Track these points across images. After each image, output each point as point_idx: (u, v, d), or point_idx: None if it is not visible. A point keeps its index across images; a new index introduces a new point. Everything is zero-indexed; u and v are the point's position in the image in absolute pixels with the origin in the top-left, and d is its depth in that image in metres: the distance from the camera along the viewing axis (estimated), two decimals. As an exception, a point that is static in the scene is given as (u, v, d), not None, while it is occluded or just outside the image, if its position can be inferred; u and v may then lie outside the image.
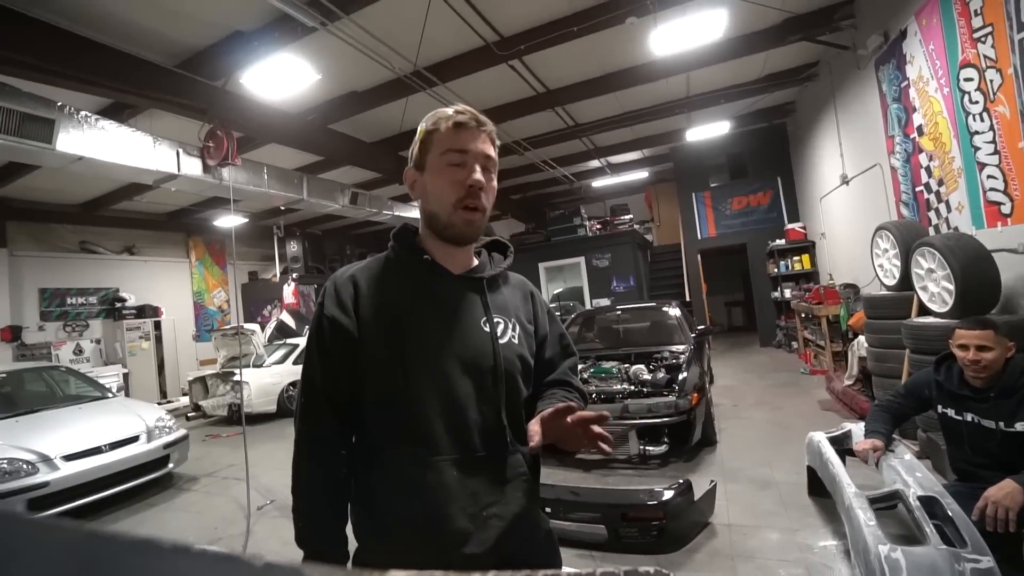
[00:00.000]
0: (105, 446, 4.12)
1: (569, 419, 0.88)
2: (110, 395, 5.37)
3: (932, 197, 4.32)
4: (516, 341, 1.04)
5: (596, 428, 0.88)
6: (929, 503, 1.92)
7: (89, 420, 4.44)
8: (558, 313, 9.83)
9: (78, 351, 8.82)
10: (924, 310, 3.65)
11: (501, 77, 5.92)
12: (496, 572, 0.23)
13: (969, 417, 2.06)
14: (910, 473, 2.14)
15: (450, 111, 0.99)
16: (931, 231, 4.22)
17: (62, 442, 3.96)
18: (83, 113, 4.68)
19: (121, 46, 4.39)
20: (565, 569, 0.27)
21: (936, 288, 3.43)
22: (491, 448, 0.97)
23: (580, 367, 4.60)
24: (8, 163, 6.68)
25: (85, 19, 4.08)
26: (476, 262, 1.08)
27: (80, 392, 5.28)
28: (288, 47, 4.57)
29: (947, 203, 4.08)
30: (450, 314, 0.99)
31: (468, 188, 0.96)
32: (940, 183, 4.16)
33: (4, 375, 5.18)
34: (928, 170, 4.33)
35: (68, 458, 3.87)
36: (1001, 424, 1.96)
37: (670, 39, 5.00)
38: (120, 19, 4.18)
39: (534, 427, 0.90)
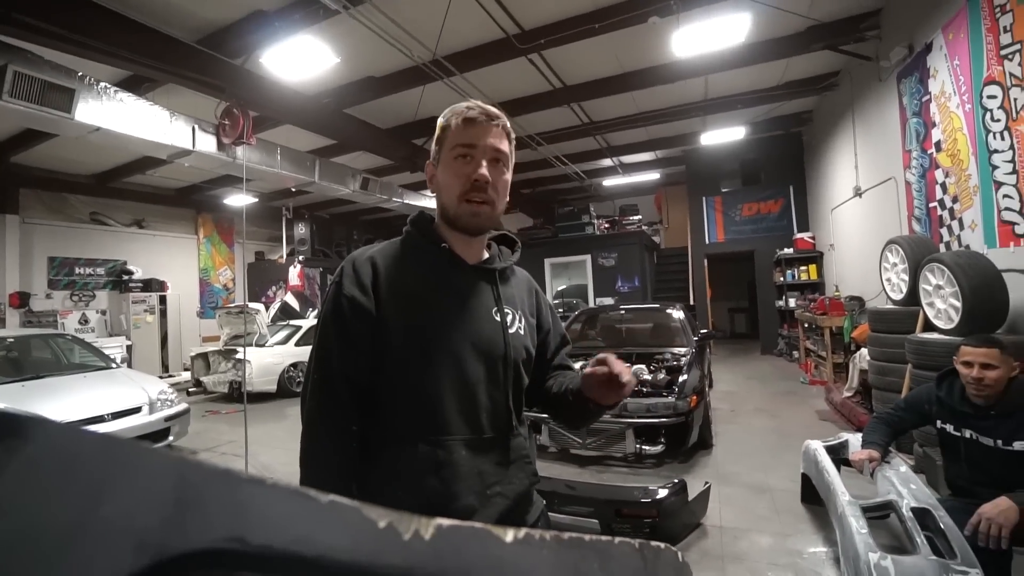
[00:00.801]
0: (108, 415, 4.16)
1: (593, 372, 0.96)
2: (114, 366, 5.43)
3: (945, 214, 4.30)
4: (522, 332, 1.08)
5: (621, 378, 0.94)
6: (922, 515, 1.93)
7: (93, 389, 4.48)
8: (561, 310, 9.92)
9: (84, 321, 8.93)
10: (929, 326, 3.65)
11: (519, 70, 5.91)
12: (528, 530, 0.24)
13: (968, 434, 2.07)
14: (904, 485, 2.15)
15: (463, 106, 1.02)
16: (942, 247, 4.20)
17: (66, 409, 4.01)
18: (102, 84, 4.71)
19: (143, 19, 4.40)
20: (588, 535, 0.28)
21: (943, 305, 3.42)
22: (498, 430, 1.01)
23: (581, 364, 4.61)
24: (25, 130, 6.75)
25: (109, -10, 4.11)
26: (487, 254, 1.11)
27: (85, 361, 5.33)
28: (309, 29, 4.58)
29: (960, 220, 4.07)
30: (465, 302, 1.02)
31: (473, 182, 0.98)
32: (955, 200, 4.13)
33: (12, 340, 5.25)
34: (943, 186, 4.31)
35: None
36: (999, 442, 1.96)
37: (692, 41, 4.98)
38: (143, -8, 4.21)
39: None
